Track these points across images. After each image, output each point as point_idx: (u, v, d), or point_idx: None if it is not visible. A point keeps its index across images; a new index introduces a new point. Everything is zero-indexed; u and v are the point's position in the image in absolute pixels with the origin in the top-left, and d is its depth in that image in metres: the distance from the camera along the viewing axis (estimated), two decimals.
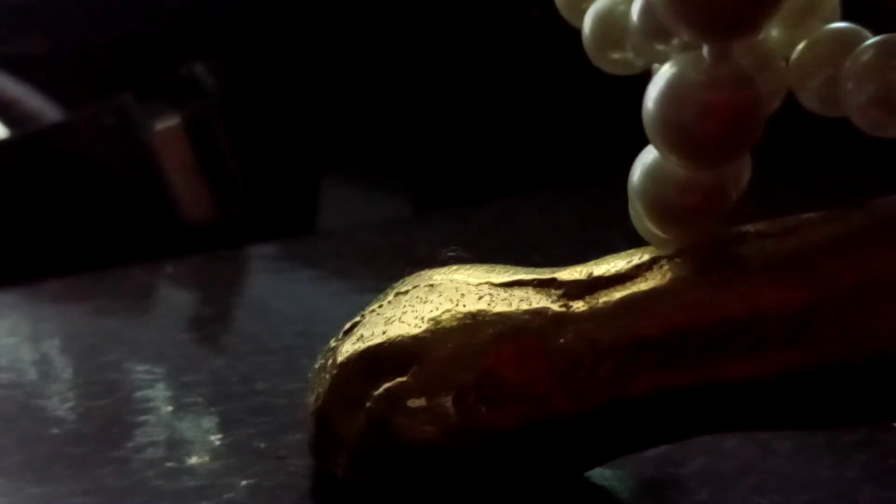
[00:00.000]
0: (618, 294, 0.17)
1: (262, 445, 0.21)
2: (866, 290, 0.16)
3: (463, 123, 0.50)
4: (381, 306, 0.19)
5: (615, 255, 0.18)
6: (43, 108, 0.46)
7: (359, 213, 0.51)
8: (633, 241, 0.18)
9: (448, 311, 0.18)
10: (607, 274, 0.18)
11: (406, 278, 0.20)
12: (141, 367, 0.26)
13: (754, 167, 0.18)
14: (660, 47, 0.16)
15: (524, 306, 0.18)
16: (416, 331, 0.18)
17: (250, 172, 0.46)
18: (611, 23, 0.18)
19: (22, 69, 0.47)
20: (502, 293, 0.18)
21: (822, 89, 0.17)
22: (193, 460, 0.21)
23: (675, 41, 0.16)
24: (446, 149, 0.51)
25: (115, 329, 0.30)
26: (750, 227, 0.17)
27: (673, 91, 0.15)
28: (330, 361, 0.19)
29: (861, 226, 0.16)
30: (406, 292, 0.19)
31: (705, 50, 0.15)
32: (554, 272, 0.18)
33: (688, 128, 0.15)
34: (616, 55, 0.18)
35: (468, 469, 0.18)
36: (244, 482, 0.20)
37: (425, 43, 0.51)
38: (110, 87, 0.44)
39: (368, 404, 0.18)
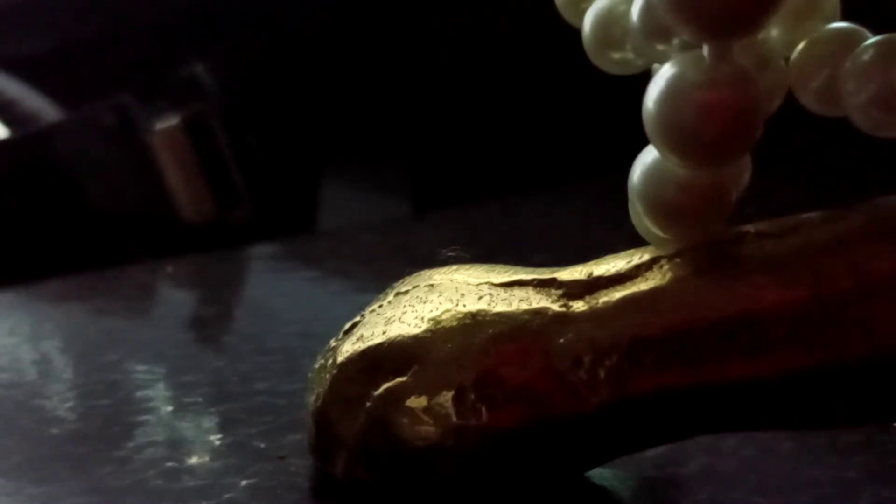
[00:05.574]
0: (618, 294, 0.17)
1: (262, 445, 0.21)
2: (866, 290, 0.16)
3: (463, 123, 0.50)
4: (381, 306, 0.19)
5: (615, 255, 0.18)
6: (43, 108, 0.46)
7: (359, 213, 0.51)
8: (633, 241, 0.18)
9: (448, 311, 0.18)
10: (607, 274, 0.18)
11: (406, 278, 0.20)
12: (141, 367, 0.26)
13: (754, 167, 0.18)
14: (660, 47, 0.16)
15: (524, 306, 0.18)
16: (416, 331, 0.18)
17: (250, 172, 0.46)
18: (611, 23, 0.18)
19: (22, 69, 0.47)
20: (502, 293, 0.18)
21: (822, 89, 0.17)
22: (193, 460, 0.21)
23: (675, 41, 0.16)
24: (446, 148, 0.51)
25: (115, 329, 0.30)
26: (750, 227, 0.17)
27: (673, 91, 0.15)
28: (330, 361, 0.19)
29: (861, 226, 0.16)
30: (406, 292, 0.19)
31: (705, 50, 0.15)
32: (554, 272, 0.18)
33: (688, 128, 0.15)
34: (616, 55, 0.18)
35: (468, 469, 0.18)
36: (244, 482, 0.20)
37: (426, 42, 0.51)
38: (110, 87, 0.44)
39: (368, 404, 0.18)
